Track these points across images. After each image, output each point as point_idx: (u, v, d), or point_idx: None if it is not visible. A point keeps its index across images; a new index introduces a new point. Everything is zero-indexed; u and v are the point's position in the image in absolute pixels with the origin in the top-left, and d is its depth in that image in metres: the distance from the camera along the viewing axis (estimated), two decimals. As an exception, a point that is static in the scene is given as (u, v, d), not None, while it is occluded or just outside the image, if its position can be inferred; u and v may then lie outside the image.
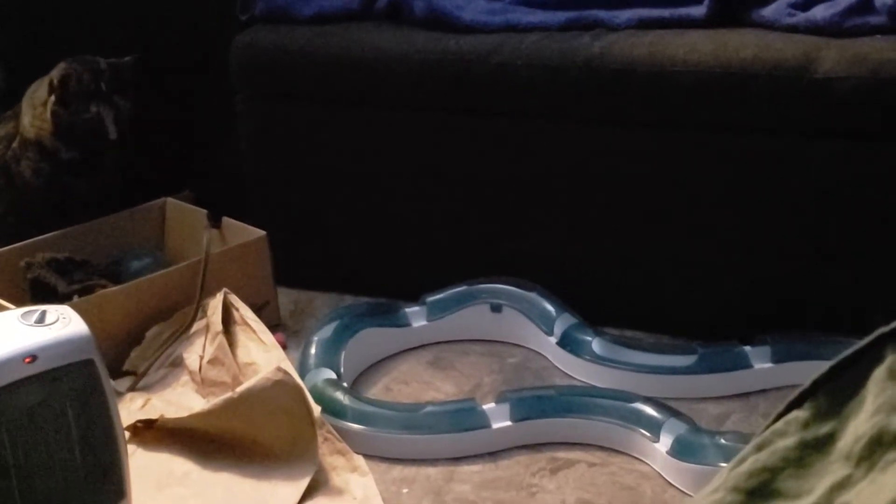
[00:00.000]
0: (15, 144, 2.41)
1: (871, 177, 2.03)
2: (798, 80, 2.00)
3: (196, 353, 2.07)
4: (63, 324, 1.63)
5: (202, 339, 2.09)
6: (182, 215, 2.47)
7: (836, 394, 0.80)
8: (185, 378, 2.09)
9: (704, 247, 2.18)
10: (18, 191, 2.43)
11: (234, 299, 2.12)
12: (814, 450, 0.79)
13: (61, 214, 2.41)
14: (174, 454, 1.93)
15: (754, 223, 2.13)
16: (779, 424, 0.81)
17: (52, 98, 2.35)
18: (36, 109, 2.39)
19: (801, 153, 2.06)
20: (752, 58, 2.04)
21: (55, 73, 2.36)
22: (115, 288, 2.20)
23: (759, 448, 0.80)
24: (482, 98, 2.24)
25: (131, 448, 1.87)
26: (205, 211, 2.41)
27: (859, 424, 0.78)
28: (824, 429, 0.79)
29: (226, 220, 2.39)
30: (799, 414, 0.81)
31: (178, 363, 2.10)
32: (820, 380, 0.81)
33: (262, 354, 2.03)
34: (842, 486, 0.77)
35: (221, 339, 2.05)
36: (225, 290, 2.13)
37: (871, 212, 2.05)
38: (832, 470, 0.77)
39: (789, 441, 0.80)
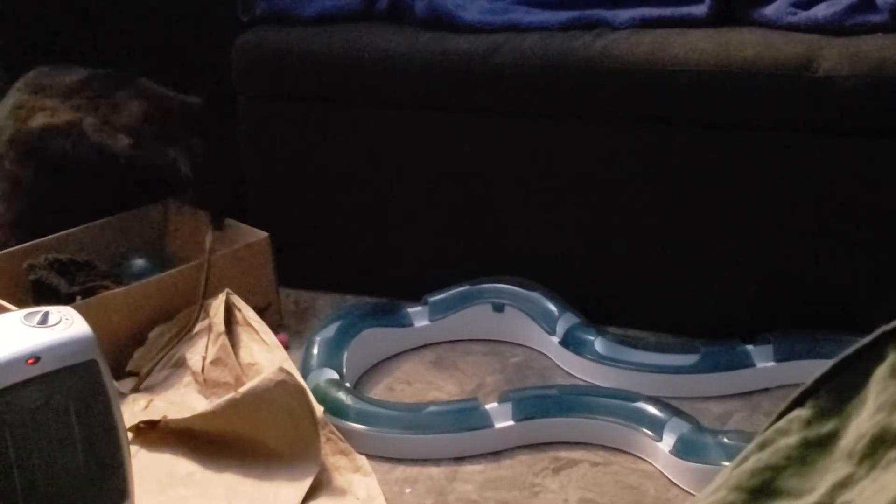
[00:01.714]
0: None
1: (873, 175, 2.03)
2: (799, 78, 2.01)
3: (198, 353, 2.07)
4: (66, 325, 1.63)
5: (204, 339, 2.09)
6: (184, 216, 2.47)
7: (838, 392, 0.80)
8: (188, 379, 2.09)
9: (706, 245, 2.18)
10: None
11: (237, 300, 2.12)
12: (816, 448, 0.79)
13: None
14: (177, 455, 1.93)
15: (756, 222, 2.12)
16: (781, 423, 0.81)
17: (129, 140, 2.23)
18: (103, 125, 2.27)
19: (802, 152, 2.06)
20: (754, 57, 2.04)
21: (136, 110, 2.25)
22: (117, 289, 2.20)
23: (762, 447, 0.80)
24: (483, 98, 2.24)
25: (134, 449, 1.87)
26: (207, 212, 2.41)
27: (861, 423, 0.78)
28: (826, 427, 0.79)
29: (228, 221, 2.38)
30: (801, 412, 0.81)
31: (180, 364, 2.10)
32: (822, 378, 0.81)
33: (265, 355, 2.03)
34: (844, 484, 0.77)
35: (224, 339, 2.05)
36: (227, 290, 2.13)
37: (874, 210, 2.05)
38: (834, 468, 0.77)
39: (791, 440, 0.80)
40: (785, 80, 2.02)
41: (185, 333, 2.13)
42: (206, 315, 2.13)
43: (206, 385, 2.05)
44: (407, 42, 2.29)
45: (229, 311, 2.12)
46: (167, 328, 2.17)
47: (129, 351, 2.16)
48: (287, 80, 2.38)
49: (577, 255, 2.28)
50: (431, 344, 2.26)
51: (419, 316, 2.26)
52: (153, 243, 2.46)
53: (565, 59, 2.16)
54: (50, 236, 2.35)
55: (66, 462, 1.62)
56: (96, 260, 2.35)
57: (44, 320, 1.62)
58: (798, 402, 0.81)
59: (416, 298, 2.28)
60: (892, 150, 2.00)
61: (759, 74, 2.03)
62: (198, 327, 2.13)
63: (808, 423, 0.80)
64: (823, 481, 0.76)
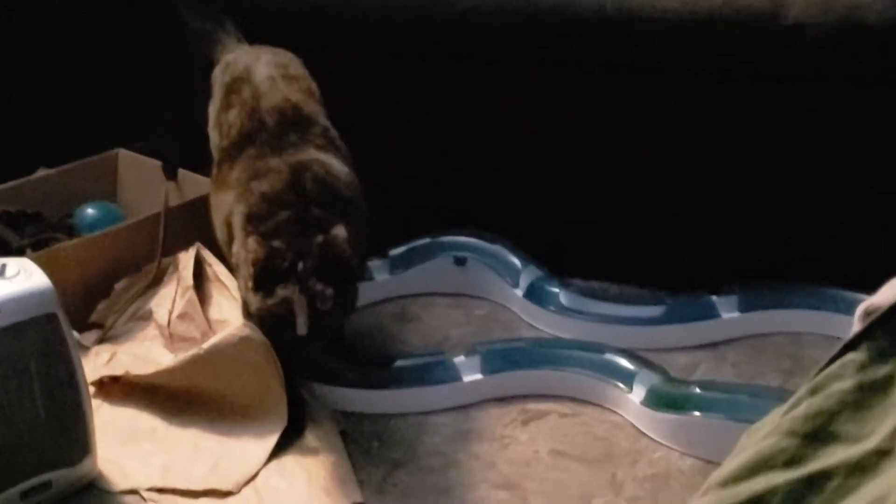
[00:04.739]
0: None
1: (841, 123, 2.03)
2: (768, 26, 2.00)
3: (165, 307, 2.03)
4: (24, 277, 1.61)
5: (172, 293, 2.04)
6: (135, 167, 2.41)
7: (894, 334, 0.78)
8: (154, 332, 2.04)
9: (672, 196, 2.17)
10: None
11: (207, 254, 2.07)
12: (872, 392, 0.77)
13: None
14: (140, 409, 1.89)
15: (723, 171, 2.12)
16: (833, 367, 0.79)
17: (248, 283, 1.75)
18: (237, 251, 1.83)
19: (771, 100, 2.06)
20: (721, 4, 2.03)
21: (252, 251, 1.73)
22: (71, 241, 2.14)
23: (814, 392, 0.78)
24: (448, 44, 2.21)
25: (96, 403, 1.83)
26: (159, 162, 2.35)
27: (921, 365, 0.76)
28: (883, 370, 0.78)
29: (182, 172, 2.33)
30: (855, 356, 0.79)
31: (146, 317, 2.06)
32: (877, 322, 0.79)
33: (235, 311, 1.97)
34: None
35: (191, 294, 2.01)
36: (198, 244, 2.08)
37: (842, 158, 2.05)
38: (893, 413, 0.75)
39: (846, 384, 0.78)
40: (753, 28, 2.01)
41: (150, 286, 2.08)
42: (176, 268, 2.08)
43: (172, 339, 2.00)
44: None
45: (199, 265, 2.07)
46: (134, 280, 2.12)
47: (83, 304, 2.10)
48: (244, 26, 2.32)
49: (539, 207, 2.26)
50: (393, 297, 2.22)
51: (380, 269, 2.23)
52: (103, 194, 2.40)
53: (532, 6, 2.13)
54: (-3, 187, 2.28)
55: (26, 417, 1.59)
56: (46, 212, 2.28)
57: (1, 272, 1.59)
58: (851, 346, 0.79)
59: (377, 252, 2.24)
60: (862, 97, 2.00)
61: (728, 22, 2.02)
62: (166, 280, 2.08)
63: (863, 366, 0.78)
64: (882, 426, 0.75)
